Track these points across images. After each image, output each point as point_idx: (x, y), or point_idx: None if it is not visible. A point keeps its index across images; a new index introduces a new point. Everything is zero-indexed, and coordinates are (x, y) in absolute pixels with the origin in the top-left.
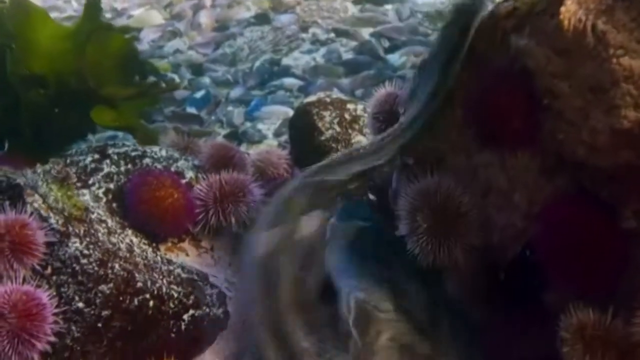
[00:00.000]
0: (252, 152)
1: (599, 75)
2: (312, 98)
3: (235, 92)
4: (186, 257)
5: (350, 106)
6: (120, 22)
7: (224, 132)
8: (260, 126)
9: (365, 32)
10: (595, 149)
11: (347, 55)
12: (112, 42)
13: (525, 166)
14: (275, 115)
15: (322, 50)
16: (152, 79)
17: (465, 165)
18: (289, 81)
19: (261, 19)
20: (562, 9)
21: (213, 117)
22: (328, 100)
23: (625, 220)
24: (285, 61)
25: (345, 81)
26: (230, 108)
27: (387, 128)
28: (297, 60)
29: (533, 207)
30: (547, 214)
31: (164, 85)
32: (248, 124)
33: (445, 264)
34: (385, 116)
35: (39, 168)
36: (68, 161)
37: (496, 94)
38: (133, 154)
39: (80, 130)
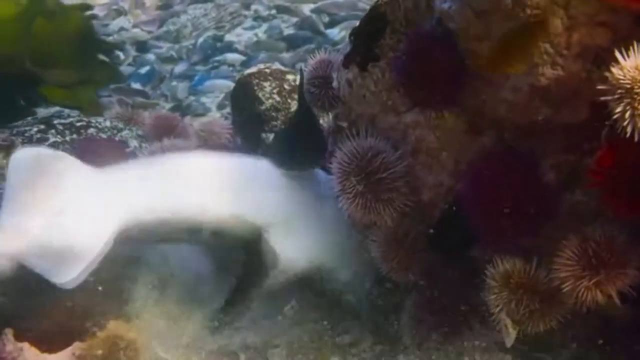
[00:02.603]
0: (195, 123)
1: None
2: (252, 69)
3: (180, 68)
4: None
5: (289, 77)
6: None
7: (168, 105)
8: (203, 100)
9: (306, 8)
10: (516, 106)
11: (289, 31)
12: (69, 21)
13: (452, 126)
14: (218, 89)
15: (264, 26)
16: (103, 59)
17: (395, 126)
18: (231, 56)
19: None
20: None
21: (158, 92)
22: (268, 71)
23: (545, 174)
24: (228, 37)
25: (286, 55)
26: (174, 83)
27: (321, 93)
28: (240, 36)
29: (459, 165)
30: (472, 171)
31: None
32: (192, 98)
33: (376, 222)
34: (320, 81)
35: None
36: (14, 132)
37: (422, 56)
38: (78, 124)
39: (28, 107)
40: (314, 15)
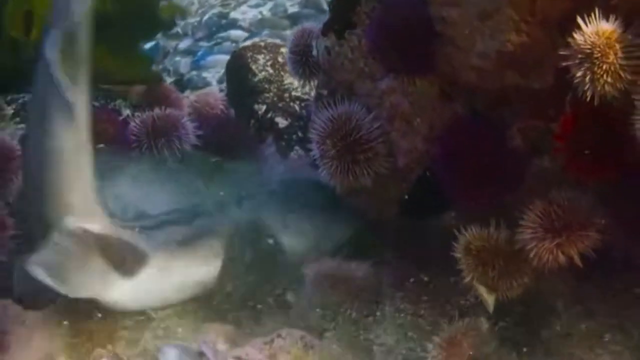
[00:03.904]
0: (190, 95)
1: (484, 2)
2: (247, 43)
3: (184, 44)
4: None
5: (284, 50)
6: None
7: (170, 80)
8: (205, 74)
9: None
10: (484, 73)
11: (293, 9)
12: None
13: (425, 92)
14: (220, 64)
15: (269, 4)
16: None
17: (371, 92)
18: (235, 33)
19: None
20: None
21: (161, 67)
22: (262, 44)
23: (513, 139)
24: (233, 15)
25: (289, 33)
26: (177, 58)
27: (302, 60)
28: (245, 14)
29: (433, 131)
30: (442, 137)
31: None
32: (193, 73)
33: (354, 187)
34: (302, 49)
35: None
36: (8, 98)
37: (394, 23)
38: None
39: None
40: None
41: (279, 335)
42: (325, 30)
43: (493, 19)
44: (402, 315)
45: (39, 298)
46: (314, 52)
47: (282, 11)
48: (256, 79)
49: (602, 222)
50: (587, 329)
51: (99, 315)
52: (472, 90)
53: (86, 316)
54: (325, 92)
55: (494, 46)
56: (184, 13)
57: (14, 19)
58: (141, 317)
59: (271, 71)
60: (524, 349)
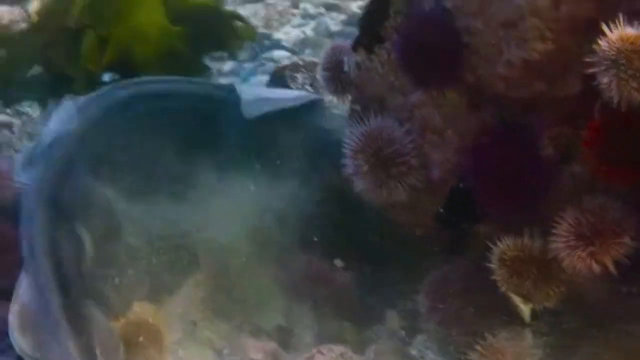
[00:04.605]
0: None
1: (507, 11)
2: (286, 62)
3: (228, 66)
4: None
5: None
6: None
7: None
8: None
9: (354, 5)
10: (511, 82)
11: (336, 28)
12: None
13: (455, 103)
14: (263, 85)
15: (312, 23)
16: None
17: (402, 106)
18: (278, 53)
19: None
20: None
21: None
22: (301, 63)
23: (544, 148)
24: (276, 35)
25: None
26: (222, 80)
27: (335, 76)
28: (288, 34)
29: (464, 142)
30: (473, 148)
31: None
32: None
33: (389, 201)
34: (334, 65)
35: None
36: None
37: (420, 36)
38: None
39: None
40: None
41: (319, 351)
42: (355, 45)
43: (518, 28)
44: None
45: None
46: (345, 68)
47: (324, 30)
48: None
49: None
50: None
51: None
52: (501, 100)
53: None
54: (358, 108)
55: (519, 55)
56: (255, 37)
57: (91, 51)
58: None
59: (310, 89)
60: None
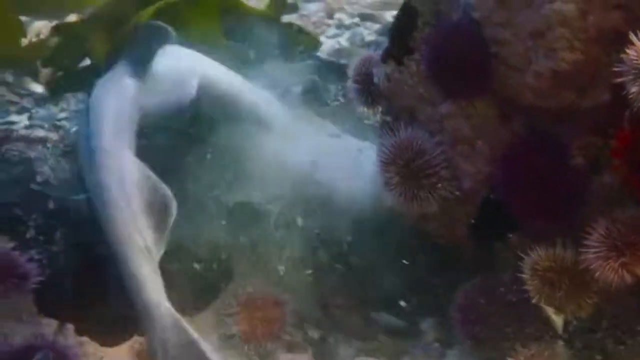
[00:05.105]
0: None
1: (535, 21)
2: None
3: None
4: None
5: None
6: None
7: None
8: None
9: (389, 15)
10: (540, 92)
11: (370, 37)
12: None
13: (484, 114)
14: None
15: (347, 34)
16: None
17: (432, 117)
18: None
19: (290, 8)
20: None
21: None
22: None
23: (574, 158)
24: None
25: None
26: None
27: (365, 88)
28: (323, 44)
29: (495, 152)
30: (504, 158)
31: None
32: None
33: (420, 213)
34: (364, 77)
35: None
36: None
37: (449, 47)
38: None
39: None
40: None
41: None
42: (385, 57)
43: (546, 38)
44: None
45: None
46: (375, 80)
47: (359, 40)
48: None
49: None
50: None
51: None
52: (530, 110)
53: None
54: (389, 119)
55: (548, 65)
56: (319, 46)
57: None
58: None
59: (342, 100)
60: None
